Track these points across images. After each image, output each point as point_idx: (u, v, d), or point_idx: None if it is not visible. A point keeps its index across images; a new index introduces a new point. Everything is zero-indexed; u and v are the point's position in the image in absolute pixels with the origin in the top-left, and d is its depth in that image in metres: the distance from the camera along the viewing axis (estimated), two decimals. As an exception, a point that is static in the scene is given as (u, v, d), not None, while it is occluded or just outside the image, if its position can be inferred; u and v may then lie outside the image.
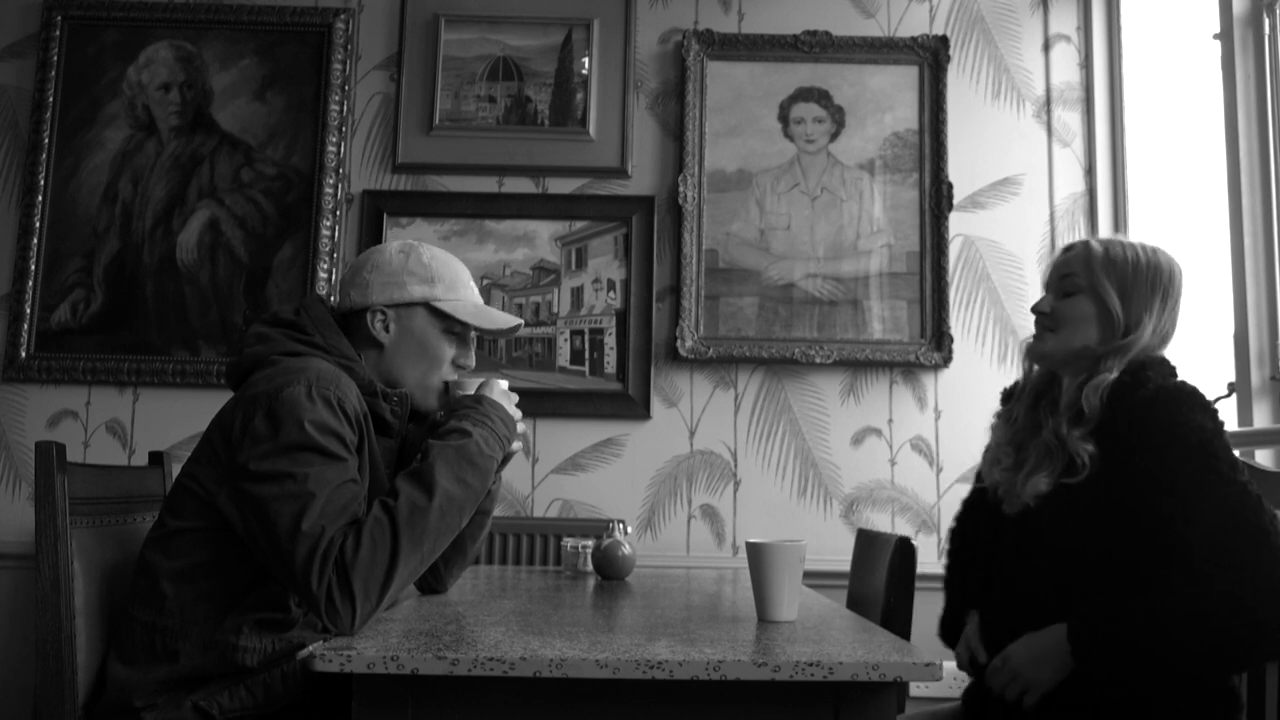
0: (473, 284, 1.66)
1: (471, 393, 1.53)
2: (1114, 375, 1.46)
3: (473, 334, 1.64)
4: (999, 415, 1.64)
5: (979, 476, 1.64)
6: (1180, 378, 1.48)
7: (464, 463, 1.39)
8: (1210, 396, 1.84)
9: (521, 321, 1.69)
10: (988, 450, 1.62)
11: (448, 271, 1.60)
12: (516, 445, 1.56)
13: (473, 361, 1.64)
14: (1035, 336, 1.57)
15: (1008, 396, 1.65)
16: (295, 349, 1.47)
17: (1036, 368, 1.60)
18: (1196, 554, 1.31)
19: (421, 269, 1.58)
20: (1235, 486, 1.33)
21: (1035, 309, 1.58)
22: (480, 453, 1.42)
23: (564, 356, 2.73)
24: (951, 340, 2.69)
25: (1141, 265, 1.51)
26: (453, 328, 1.59)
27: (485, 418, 1.47)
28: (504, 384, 1.57)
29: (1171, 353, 1.55)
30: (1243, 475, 1.34)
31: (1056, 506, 1.45)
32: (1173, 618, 1.30)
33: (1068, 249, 1.58)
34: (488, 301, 2.69)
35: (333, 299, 2.70)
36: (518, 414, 1.55)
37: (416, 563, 1.33)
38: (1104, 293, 1.50)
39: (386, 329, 1.56)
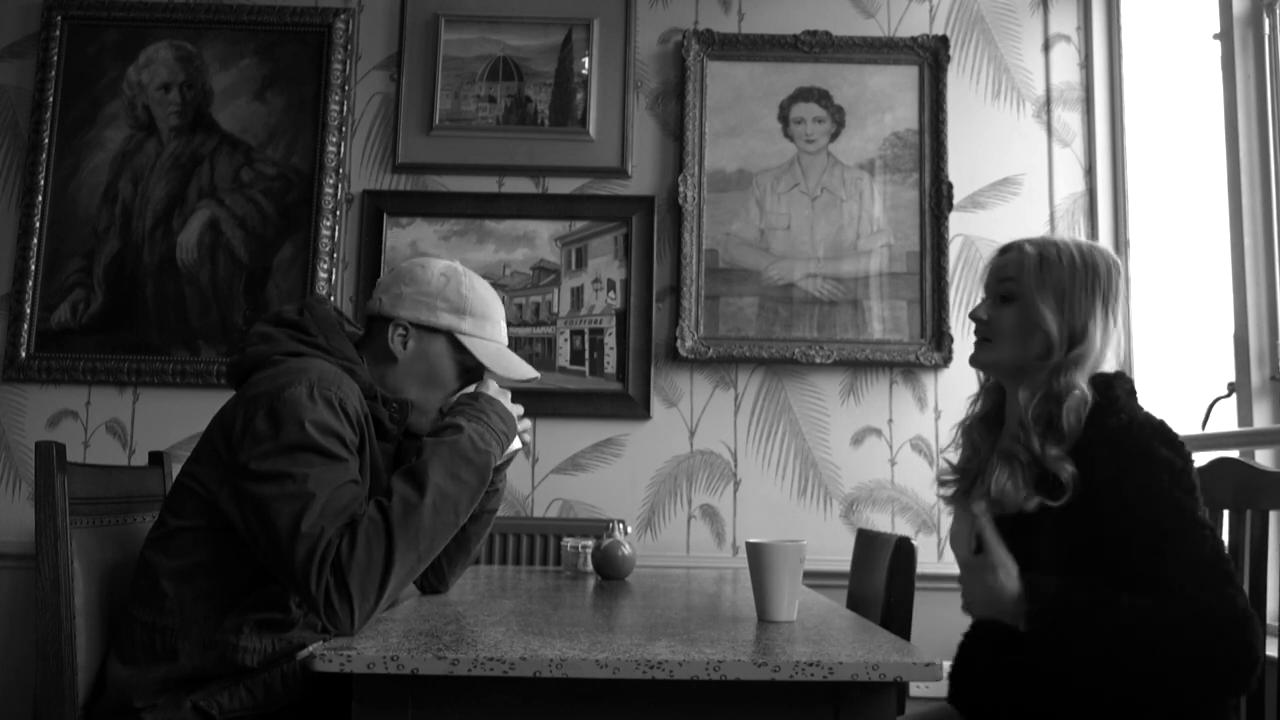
0: (503, 323, 1.65)
1: (479, 384, 1.54)
2: (1087, 393, 1.38)
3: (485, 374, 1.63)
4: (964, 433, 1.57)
5: None
6: (1142, 403, 1.41)
7: (458, 458, 1.39)
8: (1210, 396, 1.85)
9: (538, 375, 1.69)
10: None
11: (481, 307, 1.60)
12: (521, 442, 1.55)
13: None
14: (975, 344, 1.51)
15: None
16: (297, 349, 1.47)
17: (988, 379, 1.55)
18: (1178, 580, 1.25)
19: (457, 298, 1.58)
20: (1209, 529, 1.28)
21: (973, 315, 1.51)
22: (475, 448, 1.42)
23: (564, 356, 2.73)
24: (951, 340, 2.69)
25: (1079, 269, 1.42)
26: (468, 363, 1.59)
27: (481, 413, 1.47)
28: (495, 384, 1.57)
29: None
30: (1208, 517, 1.30)
31: (1043, 526, 1.38)
32: (1139, 616, 1.24)
33: (1004, 250, 1.50)
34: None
35: (333, 297, 2.70)
36: (518, 409, 1.55)
37: (414, 561, 1.32)
38: (1043, 302, 1.41)
39: (404, 345, 1.56)
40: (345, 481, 1.35)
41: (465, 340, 1.57)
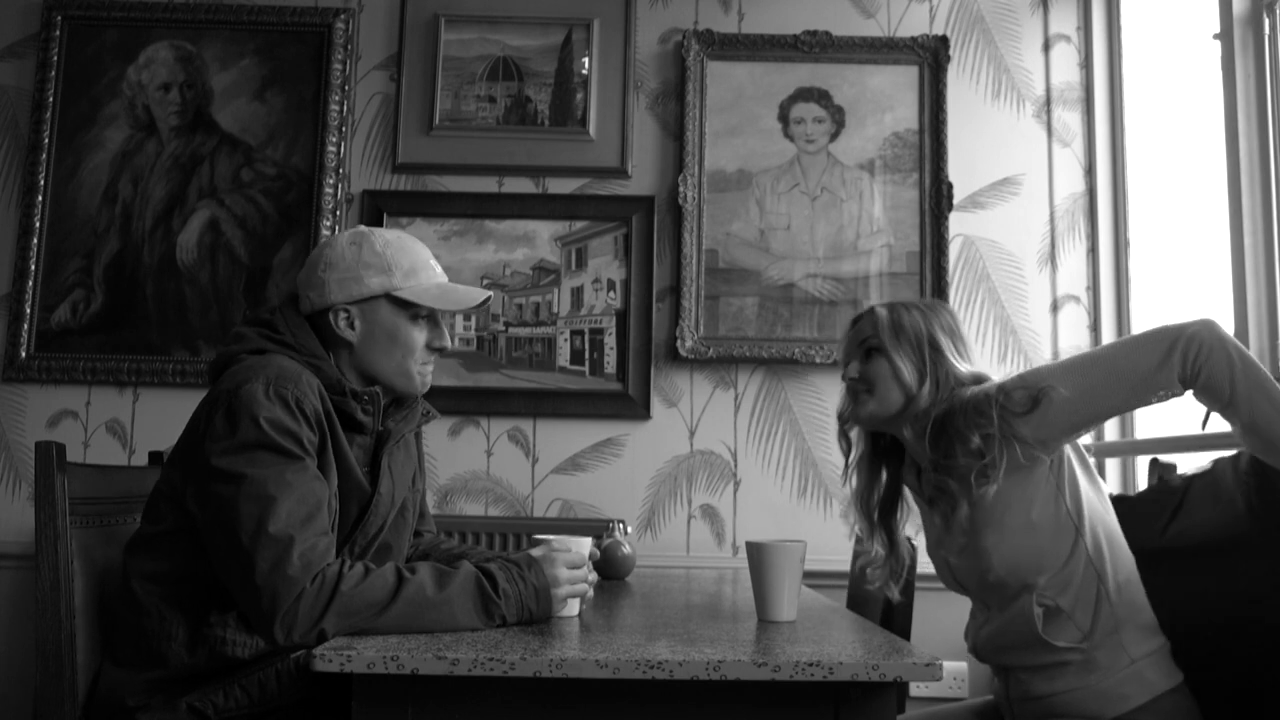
0: (433, 262, 1.59)
1: (549, 546, 1.42)
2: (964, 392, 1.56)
3: (442, 313, 1.59)
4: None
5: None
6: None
7: (476, 604, 1.31)
8: None
9: (489, 295, 1.63)
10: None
11: (404, 257, 1.54)
12: (567, 610, 1.42)
13: (448, 341, 1.59)
14: (854, 402, 1.63)
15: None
16: (263, 346, 1.47)
17: (855, 453, 1.70)
18: None
19: (376, 259, 1.52)
20: None
21: (846, 377, 1.66)
22: (486, 611, 1.32)
23: (564, 356, 2.73)
24: (951, 340, 2.68)
25: (925, 319, 1.61)
26: (419, 313, 1.54)
27: (519, 579, 1.36)
28: (586, 546, 1.46)
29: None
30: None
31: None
32: None
33: (857, 320, 1.68)
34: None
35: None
36: (570, 589, 1.41)
37: (374, 626, 1.26)
38: (899, 355, 1.59)
39: (353, 326, 1.52)
40: (307, 483, 1.33)
41: (403, 294, 1.52)
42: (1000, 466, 1.46)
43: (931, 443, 1.54)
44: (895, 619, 1.78)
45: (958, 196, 2.75)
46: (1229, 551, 1.51)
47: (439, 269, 1.60)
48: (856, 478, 1.70)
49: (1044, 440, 1.47)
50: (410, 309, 1.53)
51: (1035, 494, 1.49)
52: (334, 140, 2.76)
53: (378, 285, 1.52)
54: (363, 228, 1.60)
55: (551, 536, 1.45)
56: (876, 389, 1.59)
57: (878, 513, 1.69)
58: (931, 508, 1.58)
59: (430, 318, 1.56)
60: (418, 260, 1.56)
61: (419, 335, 1.55)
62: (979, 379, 1.57)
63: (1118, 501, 1.65)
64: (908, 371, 1.57)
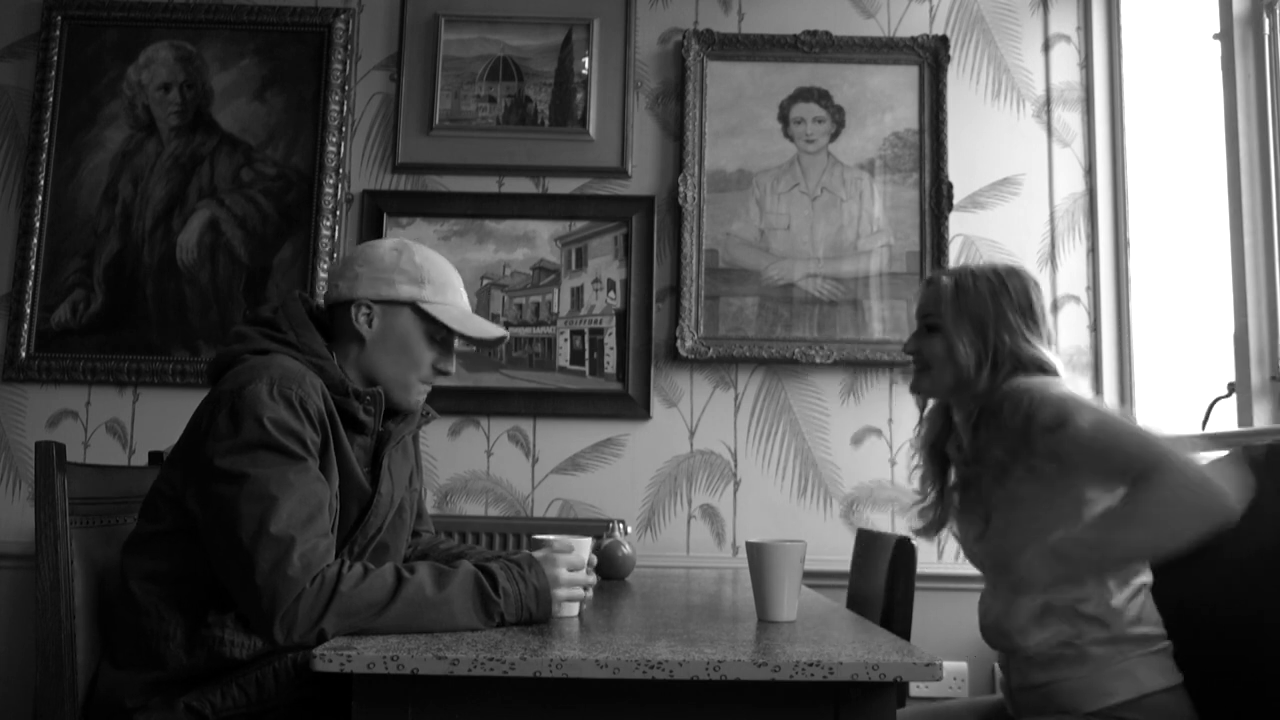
0: (463, 289, 1.63)
1: (550, 547, 1.42)
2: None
3: (456, 340, 1.60)
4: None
5: None
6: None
7: (475, 604, 1.31)
8: (1210, 396, 1.92)
9: (506, 334, 1.65)
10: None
11: (438, 274, 1.57)
12: (566, 611, 1.42)
13: (453, 368, 1.61)
14: (915, 373, 1.62)
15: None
16: (265, 346, 1.47)
17: (931, 402, 1.68)
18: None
19: (413, 268, 1.55)
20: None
21: (904, 348, 1.64)
22: (485, 610, 1.32)
23: (564, 356, 2.73)
24: (951, 340, 2.68)
25: (994, 294, 1.54)
26: (436, 333, 1.56)
27: (520, 578, 1.36)
28: (586, 548, 1.46)
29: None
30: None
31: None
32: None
33: (927, 284, 1.62)
34: (487, 302, 2.70)
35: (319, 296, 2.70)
36: (567, 593, 1.41)
37: (374, 626, 1.26)
38: (959, 332, 1.54)
39: (370, 323, 1.53)
40: (309, 484, 1.33)
41: (428, 308, 1.54)
42: (1031, 475, 1.45)
43: (975, 431, 1.52)
44: (895, 619, 1.78)
45: (958, 196, 2.75)
46: (1240, 551, 1.50)
47: (465, 298, 1.63)
48: (927, 426, 1.68)
49: (1059, 457, 1.42)
50: (429, 325, 1.55)
51: (1057, 502, 1.47)
52: (334, 140, 2.76)
53: (407, 293, 1.54)
54: (407, 240, 1.63)
55: (553, 537, 1.45)
56: (931, 368, 1.56)
57: (939, 461, 1.67)
58: (961, 493, 1.57)
59: (444, 341, 1.58)
60: (449, 282, 1.59)
61: (428, 353, 1.56)
62: (1044, 367, 1.51)
63: None
64: (965, 353, 1.51)
